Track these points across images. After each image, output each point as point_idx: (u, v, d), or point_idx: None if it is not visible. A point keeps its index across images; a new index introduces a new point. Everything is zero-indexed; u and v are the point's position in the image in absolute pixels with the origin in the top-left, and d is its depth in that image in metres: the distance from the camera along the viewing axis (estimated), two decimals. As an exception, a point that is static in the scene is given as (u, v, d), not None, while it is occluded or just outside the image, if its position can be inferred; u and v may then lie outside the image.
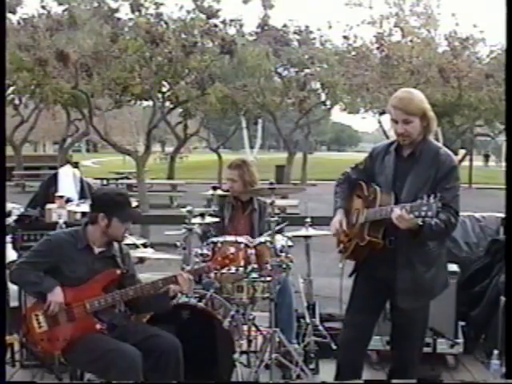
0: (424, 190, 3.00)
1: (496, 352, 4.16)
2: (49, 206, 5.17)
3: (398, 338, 3.48)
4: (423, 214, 2.88)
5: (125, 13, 11.90)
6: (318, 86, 19.12)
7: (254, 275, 4.03)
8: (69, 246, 3.48)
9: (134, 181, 18.00)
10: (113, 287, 3.51)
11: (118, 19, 11.82)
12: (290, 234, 4.43)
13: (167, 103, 14.65)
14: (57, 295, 3.37)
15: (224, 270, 3.91)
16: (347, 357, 3.51)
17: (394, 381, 3.50)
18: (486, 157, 45.43)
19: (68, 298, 3.39)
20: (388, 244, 3.24)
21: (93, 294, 3.42)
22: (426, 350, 4.28)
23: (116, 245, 3.62)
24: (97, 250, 3.55)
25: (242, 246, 4.08)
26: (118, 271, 3.53)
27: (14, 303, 4.44)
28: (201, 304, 3.95)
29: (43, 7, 12.77)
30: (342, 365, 3.53)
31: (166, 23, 11.43)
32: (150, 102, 14.13)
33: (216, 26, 12.01)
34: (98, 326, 3.41)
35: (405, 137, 3.23)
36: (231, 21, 12.99)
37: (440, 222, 3.09)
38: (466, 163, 20.70)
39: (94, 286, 3.44)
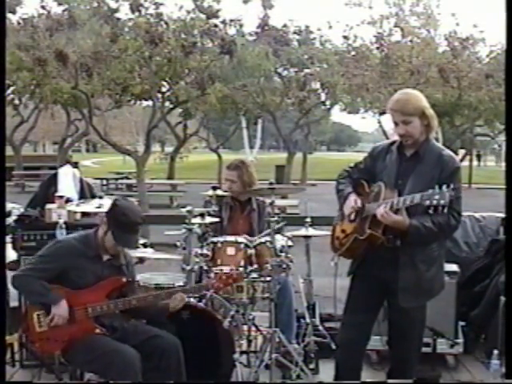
0: (426, 190, 3.01)
1: (496, 352, 4.16)
2: (49, 206, 5.16)
3: (397, 337, 3.48)
4: (435, 202, 2.91)
5: (125, 13, 11.91)
6: (318, 86, 19.12)
7: (254, 275, 4.04)
8: (78, 254, 3.45)
9: (133, 181, 18.00)
10: (116, 294, 3.51)
11: (118, 19, 11.82)
12: (289, 234, 4.42)
13: (167, 103, 14.66)
14: (62, 309, 3.36)
15: (223, 270, 3.92)
16: (346, 357, 3.51)
17: (390, 381, 3.50)
18: (478, 156, 45.55)
19: (71, 300, 3.39)
20: (386, 242, 3.25)
21: (96, 299, 3.41)
22: (426, 350, 4.28)
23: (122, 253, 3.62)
24: (105, 258, 3.54)
25: (242, 246, 4.08)
26: (124, 279, 3.53)
27: (13, 303, 4.44)
28: (201, 304, 3.95)
29: (43, 7, 12.77)
30: (341, 365, 3.52)
31: (165, 23, 11.43)
32: (150, 102, 14.14)
33: (216, 26, 12.00)
34: (98, 331, 3.41)
35: (407, 137, 3.26)
36: (231, 21, 12.97)
37: (432, 226, 3.12)
38: (465, 163, 20.71)
39: (99, 291, 3.44)
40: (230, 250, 4.08)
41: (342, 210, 3.45)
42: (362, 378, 3.54)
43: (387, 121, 3.51)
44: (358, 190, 3.45)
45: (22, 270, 3.49)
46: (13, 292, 4.39)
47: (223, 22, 12.51)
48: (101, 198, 4.25)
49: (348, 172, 3.56)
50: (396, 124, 3.26)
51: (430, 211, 2.97)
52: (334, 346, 4.39)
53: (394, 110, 3.24)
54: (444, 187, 2.91)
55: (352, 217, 3.36)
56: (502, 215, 5.06)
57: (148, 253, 4.64)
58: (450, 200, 2.90)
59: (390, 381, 3.51)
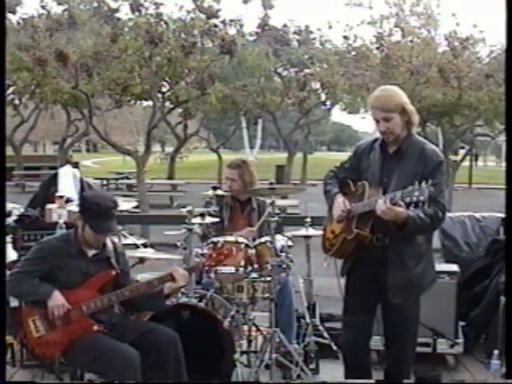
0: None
1: (496, 352, 4.16)
2: (49, 206, 5.18)
3: (391, 336, 3.47)
4: (415, 199, 2.91)
5: (125, 13, 11.95)
6: (318, 86, 19.10)
7: (254, 275, 4.04)
8: (61, 253, 3.46)
9: (134, 181, 18.00)
10: (109, 288, 3.51)
11: (118, 19, 11.84)
12: (289, 234, 4.42)
13: (167, 103, 14.64)
14: (56, 299, 3.36)
15: (223, 270, 3.92)
16: (352, 357, 3.51)
17: (405, 381, 3.49)
18: (476, 156, 45.61)
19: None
20: (375, 241, 3.26)
21: (89, 296, 3.41)
22: (426, 350, 4.29)
23: (110, 245, 3.61)
24: (90, 253, 3.53)
25: (243, 246, 4.09)
26: (113, 272, 3.52)
27: (13, 303, 4.44)
28: (201, 304, 3.95)
29: (43, 7, 12.78)
30: (351, 367, 3.53)
31: (165, 23, 11.43)
32: (150, 102, 14.12)
33: (216, 26, 11.99)
34: (96, 328, 3.41)
35: (388, 134, 3.27)
36: (231, 21, 12.98)
37: (425, 217, 3.12)
38: (466, 163, 20.68)
39: (90, 288, 3.44)
40: (226, 247, 4.07)
41: (331, 211, 3.47)
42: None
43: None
44: (344, 190, 3.45)
45: (10, 274, 3.49)
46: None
47: (223, 22, 12.51)
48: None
49: (334, 172, 3.57)
50: (377, 121, 3.26)
51: (411, 208, 2.97)
52: (334, 346, 4.41)
53: (374, 107, 3.24)
54: (423, 183, 2.90)
55: (346, 211, 3.37)
56: (502, 215, 5.06)
57: (148, 253, 4.64)
58: (429, 195, 2.89)
59: (405, 381, 3.50)
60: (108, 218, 3.43)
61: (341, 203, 3.35)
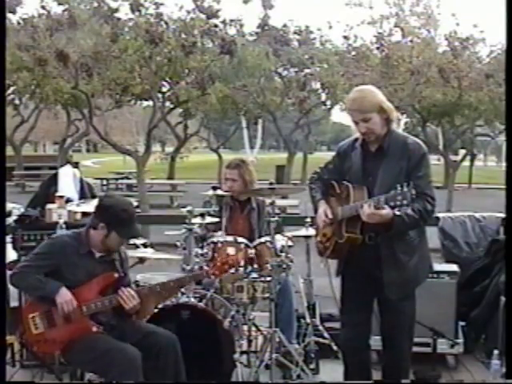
0: (398, 182, 3.00)
1: (496, 352, 4.16)
2: (49, 206, 5.17)
3: (388, 332, 3.47)
4: (398, 203, 2.94)
5: (125, 13, 11.88)
6: (318, 85, 19.10)
7: (254, 275, 4.04)
8: (71, 250, 3.47)
9: (134, 181, 18.00)
10: (110, 290, 3.51)
11: (118, 19, 11.79)
12: (289, 234, 4.43)
13: (167, 103, 14.63)
14: (65, 295, 3.37)
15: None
16: (353, 357, 3.52)
17: (403, 381, 3.50)
18: (473, 156, 45.45)
19: None
20: (367, 240, 3.27)
21: (90, 296, 3.42)
22: (426, 350, 4.29)
23: None
24: (97, 255, 3.55)
25: (242, 246, 4.09)
26: (116, 275, 3.53)
27: (13, 303, 4.45)
28: (201, 304, 3.95)
29: (43, 7, 12.73)
30: (351, 366, 3.53)
31: (165, 23, 11.41)
32: (150, 102, 14.11)
33: (216, 26, 11.99)
34: (94, 329, 3.42)
35: (369, 134, 3.28)
36: (231, 21, 12.98)
37: (414, 213, 3.13)
38: (466, 163, 20.69)
39: (92, 288, 3.44)
40: (231, 250, 4.08)
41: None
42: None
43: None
44: (329, 192, 3.46)
45: (17, 267, 3.50)
46: (13, 292, 4.40)
47: (223, 21, 12.51)
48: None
49: (318, 174, 3.58)
50: (356, 123, 3.27)
51: (396, 211, 3.00)
52: (334, 347, 4.41)
53: (352, 109, 3.26)
54: (404, 186, 2.92)
55: (328, 220, 3.38)
56: (502, 215, 5.06)
57: (148, 253, 4.64)
58: (411, 199, 2.91)
59: (403, 381, 3.50)
60: (135, 222, 3.52)
61: (322, 213, 3.39)
